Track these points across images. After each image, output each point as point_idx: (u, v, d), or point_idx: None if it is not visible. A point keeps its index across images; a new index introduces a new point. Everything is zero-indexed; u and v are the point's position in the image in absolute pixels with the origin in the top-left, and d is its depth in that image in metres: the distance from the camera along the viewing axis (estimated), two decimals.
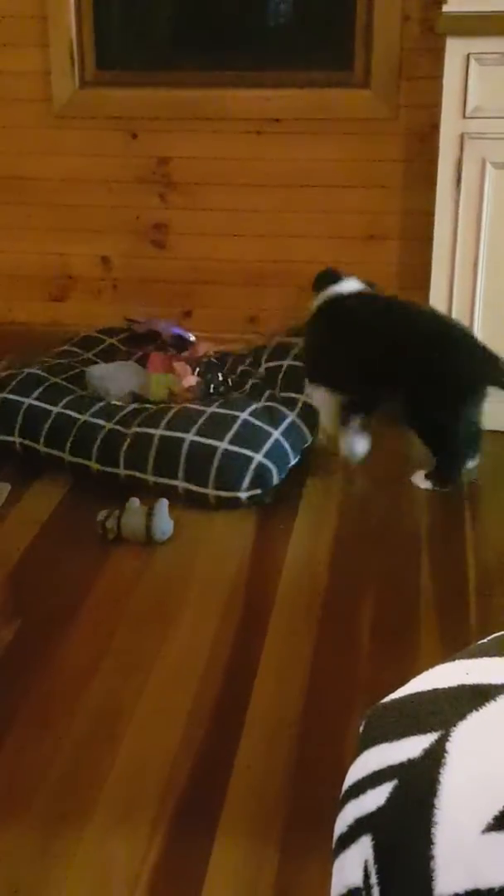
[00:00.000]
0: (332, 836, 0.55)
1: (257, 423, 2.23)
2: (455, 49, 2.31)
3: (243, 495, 2.14)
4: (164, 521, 2.01)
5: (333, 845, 0.53)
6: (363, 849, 0.48)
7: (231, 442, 2.16)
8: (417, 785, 0.46)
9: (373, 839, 0.48)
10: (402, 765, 0.48)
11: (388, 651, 1.70)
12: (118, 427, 2.26)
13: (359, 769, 0.51)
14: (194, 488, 2.14)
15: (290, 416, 2.31)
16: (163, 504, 2.02)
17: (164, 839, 1.31)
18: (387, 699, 0.54)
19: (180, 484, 2.15)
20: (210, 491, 2.14)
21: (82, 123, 2.99)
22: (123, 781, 1.42)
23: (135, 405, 2.36)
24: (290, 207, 2.96)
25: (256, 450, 2.16)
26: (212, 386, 2.43)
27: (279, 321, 3.05)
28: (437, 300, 2.48)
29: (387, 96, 2.81)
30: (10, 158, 3.04)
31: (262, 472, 2.15)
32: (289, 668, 1.65)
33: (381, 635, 1.75)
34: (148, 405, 2.36)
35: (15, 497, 2.21)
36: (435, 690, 0.51)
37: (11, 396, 2.41)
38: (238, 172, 2.96)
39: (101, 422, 2.28)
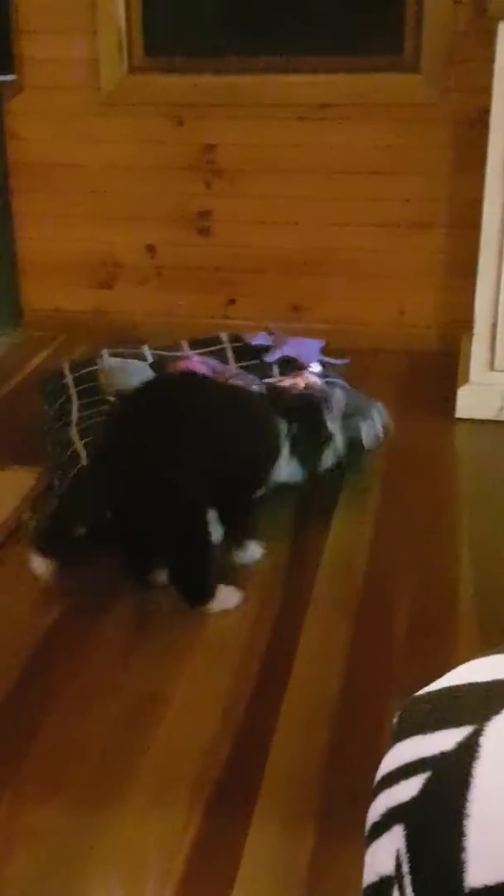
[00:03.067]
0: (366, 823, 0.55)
1: None
2: None
3: None
4: None
5: (366, 834, 0.53)
6: (395, 838, 0.48)
7: None
8: (450, 777, 0.46)
9: (405, 829, 0.48)
10: (435, 757, 0.48)
11: (426, 642, 1.69)
12: (71, 419, 2.24)
13: (392, 760, 0.51)
14: None
15: None
16: None
17: (201, 820, 1.33)
18: (422, 691, 0.55)
19: None
20: None
21: (129, 110, 2.99)
22: (161, 762, 1.43)
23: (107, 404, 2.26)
24: (336, 195, 2.94)
25: None
26: None
27: (323, 310, 3.04)
28: (484, 288, 2.45)
29: (436, 80, 2.78)
30: (58, 145, 3.07)
31: None
32: (326, 655, 1.66)
33: (419, 626, 1.75)
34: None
35: None
36: (470, 685, 0.51)
37: (64, 370, 2.47)
38: (284, 159, 2.95)
39: (73, 410, 2.27)
